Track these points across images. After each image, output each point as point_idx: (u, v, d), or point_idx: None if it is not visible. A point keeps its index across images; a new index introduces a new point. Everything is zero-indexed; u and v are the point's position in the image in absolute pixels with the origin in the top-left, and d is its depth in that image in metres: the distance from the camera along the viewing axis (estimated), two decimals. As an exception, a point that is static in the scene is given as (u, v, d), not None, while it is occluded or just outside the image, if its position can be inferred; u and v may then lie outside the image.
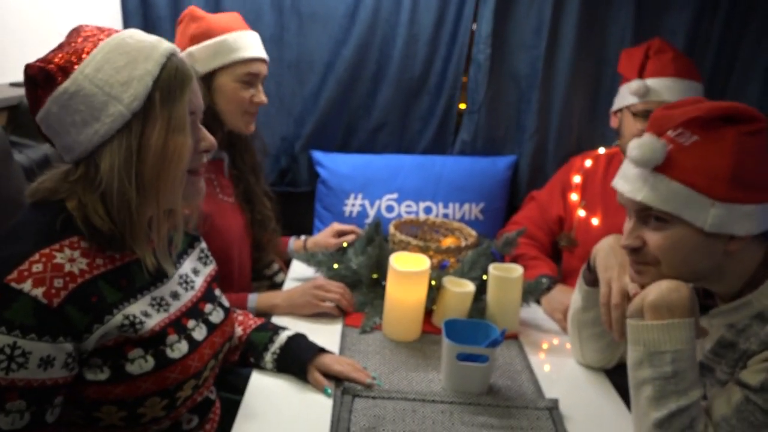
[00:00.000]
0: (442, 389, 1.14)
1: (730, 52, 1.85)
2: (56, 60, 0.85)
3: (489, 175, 1.91)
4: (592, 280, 1.18)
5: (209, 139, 0.93)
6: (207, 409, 1.08)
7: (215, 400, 1.13)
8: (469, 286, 1.37)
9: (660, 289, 0.95)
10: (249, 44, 1.42)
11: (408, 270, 1.28)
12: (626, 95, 1.60)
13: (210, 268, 1.12)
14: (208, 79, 1.40)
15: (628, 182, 0.97)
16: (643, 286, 1.01)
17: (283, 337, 1.18)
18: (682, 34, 1.80)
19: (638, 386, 0.95)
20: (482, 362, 1.12)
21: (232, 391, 1.21)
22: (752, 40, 1.83)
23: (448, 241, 1.63)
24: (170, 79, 0.86)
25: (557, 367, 1.28)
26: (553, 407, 1.10)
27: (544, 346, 1.36)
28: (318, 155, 1.94)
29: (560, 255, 1.80)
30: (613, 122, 1.67)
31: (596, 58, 1.85)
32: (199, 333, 0.98)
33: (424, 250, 1.49)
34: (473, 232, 1.64)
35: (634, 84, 1.55)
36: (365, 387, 1.11)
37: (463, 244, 1.56)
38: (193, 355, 0.94)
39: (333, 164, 1.91)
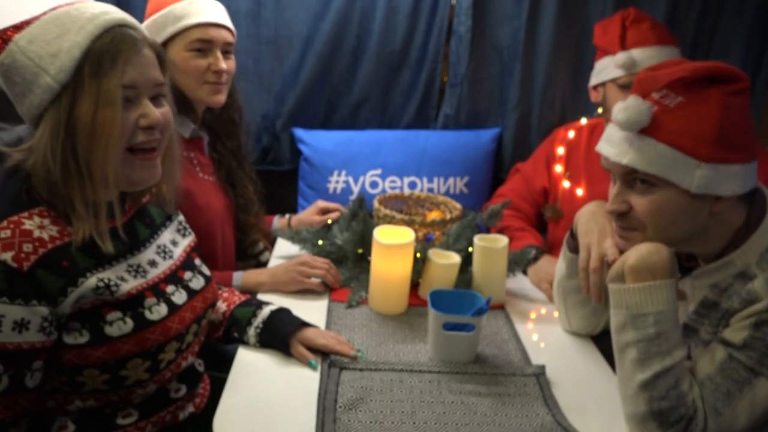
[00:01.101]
0: (429, 360, 1.14)
1: (712, 20, 1.85)
2: (5, 33, 0.85)
3: (473, 148, 1.90)
4: (575, 247, 1.18)
5: (152, 115, 0.89)
6: (195, 381, 1.09)
7: (203, 374, 1.13)
8: (455, 258, 1.37)
9: (640, 252, 0.95)
10: (198, 10, 1.37)
11: (392, 243, 1.28)
12: (609, 68, 1.56)
13: (189, 239, 1.12)
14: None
15: (614, 146, 0.96)
16: (622, 252, 1.02)
17: (266, 311, 1.18)
18: (663, 3, 1.79)
19: (622, 349, 0.96)
20: (468, 331, 1.12)
21: (221, 369, 1.21)
22: (733, 8, 1.82)
23: (433, 215, 1.63)
24: (102, 52, 0.84)
25: (544, 335, 1.28)
26: (540, 373, 1.10)
27: (531, 315, 1.36)
28: (300, 132, 1.92)
29: (546, 226, 1.80)
30: (594, 97, 1.64)
31: (578, 29, 1.84)
32: (179, 297, 0.99)
33: (409, 224, 1.48)
34: (458, 206, 1.63)
35: (620, 57, 1.52)
36: (350, 359, 1.11)
37: (448, 217, 1.56)
38: (173, 317, 0.96)
39: (315, 141, 1.89)
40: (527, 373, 1.10)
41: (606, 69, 1.58)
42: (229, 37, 1.43)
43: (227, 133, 1.54)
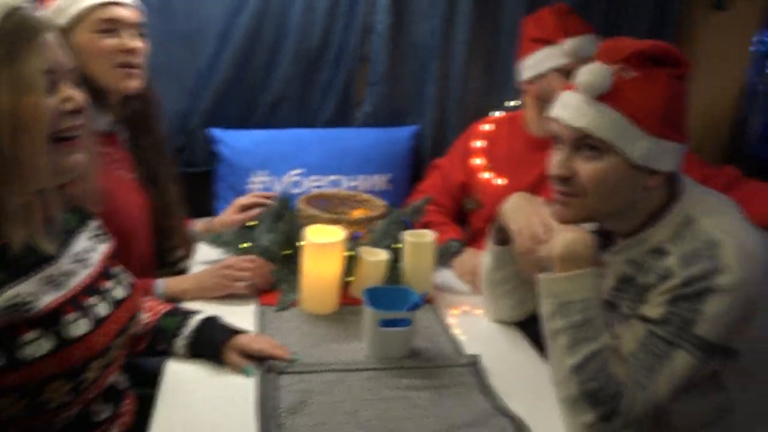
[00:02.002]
0: (365, 357, 1.14)
1: (618, 10, 1.96)
2: None
3: (394, 145, 1.92)
4: (501, 240, 1.22)
5: (76, 98, 0.84)
6: (119, 399, 1.03)
7: (126, 390, 1.07)
8: (384, 255, 1.37)
9: (565, 241, 0.99)
10: None
11: (324, 241, 1.27)
12: (552, 57, 1.60)
13: (106, 245, 1.05)
14: (67, 40, 1.29)
15: (570, 110, 0.99)
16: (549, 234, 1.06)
17: (194, 321, 1.13)
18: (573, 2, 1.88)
19: (553, 336, 1.00)
20: (404, 326, 1.13)
21: (144, 385, 1.15)
22: (633, 11, 1.95)
23: (358, 213, 1.63)
24: (11, 35, 0.79)
25: (472, 325, 1.32)
26: (474, 362, 1.13)
27: (458, 307, 1.39)
28: (217, 132, 1.86)
29: (466, 218, 1.85)
30: (531, 90, 1.66)
31: (492, 27, 1.90)
32: (103, 309, 0.94)
33: (335, 222, 1.47)
34: (382, 203, 1.64)
35: (566, 44, 1.58)
36: (287, 363, 1.09)
37: (373, 214, 1.57)
38: (97, 332, 0.90)
39: (234, 141, 1.84)
40: (462, 363, 1.13)
41: (547, 59, 1.61)
42: (138, 17, 1.35)
43: (147, 128, 1.46)
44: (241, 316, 1.26)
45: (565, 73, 1.58)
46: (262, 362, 1.09)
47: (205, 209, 1.88)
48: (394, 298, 1.20)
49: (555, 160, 1.03)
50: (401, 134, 1.94)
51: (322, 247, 1.27)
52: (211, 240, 1.53)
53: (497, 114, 1.85)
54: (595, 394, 0.94)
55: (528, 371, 1.16)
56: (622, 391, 0.94)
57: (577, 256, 0.97)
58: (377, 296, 1.18)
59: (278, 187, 1.86)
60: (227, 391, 1.03)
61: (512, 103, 1.82)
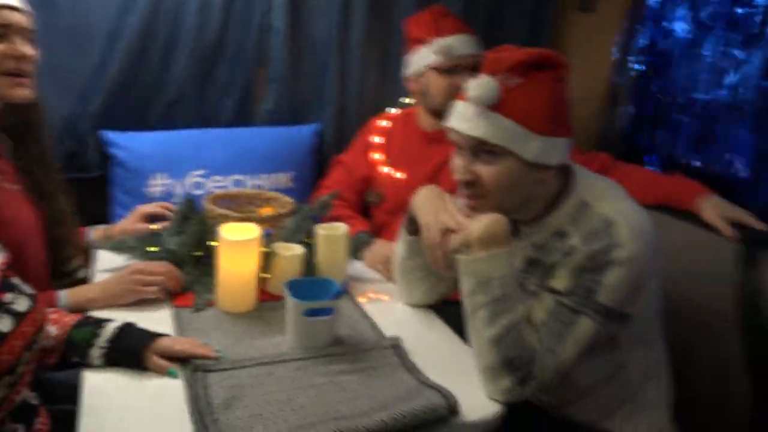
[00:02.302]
0: (290, 349, 1.16)
1: (497, 14, 2.10)
2: None
3: (296, 143, 1.93)
4: (413, 230, 1.28)
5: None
6: (31, 417, 0.98)
7: (38, 407, 1.01)
8: (299, 249, 1.40)
9: (483, 223, 1.07)
10: None
11: (240, 239, 1.27)
12: (428, 56, 1.71)
13: (1, 257, 0.99)
14: None
15: (466, 121, 1.07)
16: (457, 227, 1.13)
17: (109, 329, 1.10)
18: (459, 3, 2.00)
19: (473, 311, 1.08)
20: (327, 315, 1.16)
21: (57, 400, 1.10)
22: (513, 5, 2.10)
23: (266, 211, 1.63)
24: None
25: (388, 311, 1.37)
26: (396, 344, 1.19)
27: (373, 295, 1.44)
28: (110, 135, 1.77)
29: (369, 212, 1.91)
30: (413, 85, 1.78)
31: (386, 25, 1.97)
32: (5, 324, 0.88)
33: (245, 221, 1.47)
34: (289, 200, 1.65)
35: (437, 43, 1.69)
36: (213, 361, 1.09)
37: (282, 212, 1.58)
38: (1, 349, 0.85)
39: (130, 144, 1.77)
40: (385, 346, 1.18)
41: (424, 57, 1.72)
42: (30, 23, 1.27)
43: (31, 137, 1.37)
44: (156, 320, 1.23)
45: (441, 70, 1.70)
46: (185, 363, 1.08)
47: (101, 215, 1.80)
48: (315, 289, 1.22)
49: (458, 166, 1.11)
50: (303, 132, 1.96)
51: (238, 244, 1.27)
52: (113, 247, 1.47)
53: (393, 111, 1.94)
54: (512, 362, 1.02)
55: (446, 349, 1.23)
56: (535, 357, 1.03)
57: (495, 237, 1.05)
58: (298, 288, 1.19)
59: (179, 190, 1.81)
60: (155, 395, 1.01)
61: (407, 100, 1.91)
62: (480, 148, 1.07)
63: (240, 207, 1.70)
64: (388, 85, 2.04)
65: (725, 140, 1.67)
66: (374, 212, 1.90)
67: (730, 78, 1.65)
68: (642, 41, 1.86)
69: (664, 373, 1.22)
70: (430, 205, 1.21)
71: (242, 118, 1.94)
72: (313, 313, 1.15)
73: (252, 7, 1.84)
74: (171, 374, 1.06)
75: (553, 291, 1.07)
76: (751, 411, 1.29)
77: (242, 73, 1.89)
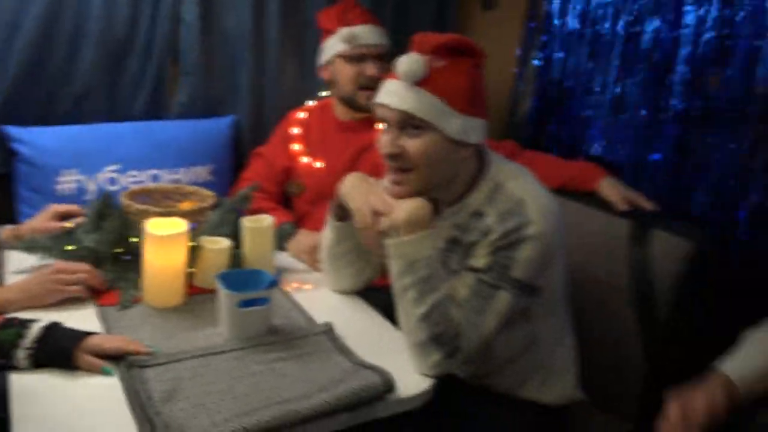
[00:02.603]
0: (225, 341, 1.18)
1: (404, 11, 2.17)
2: None
3: (213, 136, 1.92)
4: (341, 216, 1.33)
5: None
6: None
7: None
8: (225, 242, 1.41)
9: (408, 208, 1.14)
10: None
11: (168, 233, 1.26)
12: (336, 44, 1.78)
13: None
14: None
15: (395, 96, 1.14)
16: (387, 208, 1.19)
17: (35, 329, 1.07)
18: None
19: (403, 291, 1.14)
20: (262, 305, 1.19)
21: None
22: (419, 2, 2.18)
23: (186, 206, 1.62)
24: None
25: (317, 299, 1.41)
26: (328, 329, 1.24)
27: (300, 284, 1.48)
28: (13, 131, 1.68)
29: (290, 203, 1.93)
30: (325, 75, 1.85)
31: (301, 18, 1.99)
32: None
33: (166, 215, 1.45)
34: (210, 193, 1.65)
35: (344, 32, 1.75)
36: (147, 356, 1.09)
37: (204, 205, 1.57)
38: None
39: (35, 139, 1.68)
40: (317, 332, 1.23)
41: (332, 46, 1.79)
42: None
43: None
44: (81, 320, 1.20)
45: (348, 58, 1.77)
46: (118, 361, 1.07)
47: (6, 214, 1.71)
48: (246, 281, 1.24)
49: (385, 141, 1.17)
50: (219, 125, 1.95)
51: (166, 239, 1.26)
52: (25, 246, 1.42)
53: (311, 103, 1.97)
54: (440, 337, 1.10)
55: (376, 331, 1.29)
56: (460, 331, 1.12)
57: (419, 220, 1.12)
58: (229, 280, 1.21)
59: (92, 186, 1.75)
60: (90, 394, 1.01)
61: (324, 93, 1.95)
62: (407, 123, 1.15)
63: (158, 202, 1.67)
64: (305, 77, 2.06)
65: (616, 129, 1.84)
66: (295, 203, 1.93)
67: (618, 71, 1.82)
68: (542, 38, 2.00)
69: (570, 342, 1.35)
70: (359, 191, 1.26)
71: (155, 111, 1.90)
72: (247, 303, 1.17)
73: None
74: (105, 372, 1.05)
75: (473, 269, 1.16)
76: (644, 374, 1.45)
77: (153, 65, 1.85)
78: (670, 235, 1.41)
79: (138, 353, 1.09)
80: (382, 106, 1.17)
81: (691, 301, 1.39)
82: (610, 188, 1.61)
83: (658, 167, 1.71)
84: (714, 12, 1.57)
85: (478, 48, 1.18)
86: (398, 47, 2.10)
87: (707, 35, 1.59)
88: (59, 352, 1.05)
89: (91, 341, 1.08)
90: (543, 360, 1.31)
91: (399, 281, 1.14)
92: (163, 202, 1.67)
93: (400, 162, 1.17)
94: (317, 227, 1.66)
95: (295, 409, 0.96)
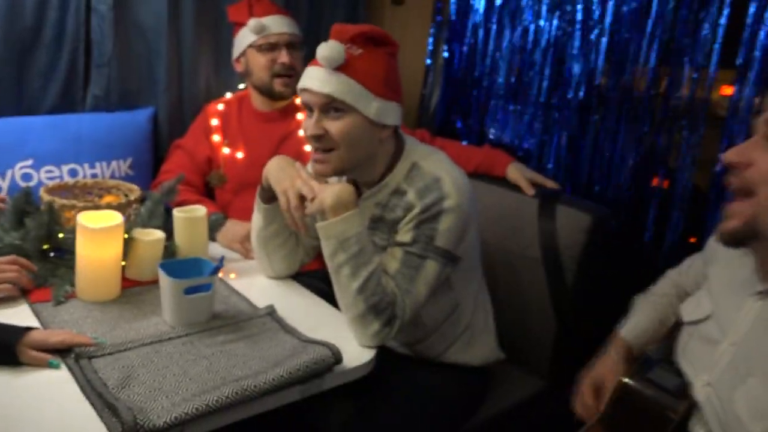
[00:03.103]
0: (171, 328, 1.20)
1: (318, 6, 2.23)
2: None
3: (131, 129, 1.89)
4: (268, 199, 1.38)
5: None
6: None
7: None
8: (159, 234, 1.42)
9: (334, 192, 1.21)
10: None
11: (103, 226, 1.26)
12: (247, 36, 1.83)
13: None
14: None
15: (317, 80, 1.22)
16: (317, 179, 1.26)
17: None
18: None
19: (337, 269, 1.22)
20: (207, 291, 1.22)
21: None
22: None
23: (109, 200, 1.60)
24: None
25: (253, 285, 1.45)
26: (271, 311, 1.29)
27: (235, 272, 1.51)
28: None
29: (213, 193, 1.94)
30: (238, 67, 1.89)
31: (215, 12, 1.99)
32: None
33: (92, 209, 1.44)
34: (134, 187, 1.64)
35: (252, 23, 1.80)
36: (95, 347, 1.10)
37: (129, 199, 1.56)
38: None
39: (-62, 135, 1.59)
40: (261, 314, 1.28)
41: (244, 38, 1.84)
42: None
43: None
44: (15, 318, 1.18)
45: (259, 48, 1.82)
46: (64, 354, 1.08)
47: None
48: (186, 269, 1.26)
49: (309, 124, 1.26)
50: (138, 117, 1.91)
51: (101, 232, 1.26)
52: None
53: (229, 95, 1.99)
54: (377, 306, 1.19)
55: (313, 310, 1.36)
56: (395, 300, 1.22)
57: (345, 202, 1.20)
58: (170, 270, 1.23)
59: (5, 182, 1.68)
60: (43, 389, 1.01)
61: (241, 86, 1.98)
62: (329, 106, 1.23)
63: (78, 197, 1.63)
64: (222, 69, 2.07)
65: (519, 117, 2.00)
66: (217, 193, 1.95)
67: (519, 63, 1.98)
68: (449, 31, 2.13)
69: (488, 307, 1.49)
70: (285, 173, 1.31)
71: (68, 104, 1.84)
72: (192, 290, 1.20)
73: (70, -12, 1.75)
74: (52, 365, 1.05)
75: (399, 244, 1.26)
76: (555, 333, 1.62)
77: (65, 56, 1.79)
78: (573, 210, 1.58)
79: (84, 345, 1.09)
80: (305, 90, 1.25)
81: (592, 267, 1.57)
82: (516, 172, 1.75)
83: (559, 151, 1.89)
84: (600, 8, 1.76)
85: (391, 38, 1.28)
86: (312, 39, 2.18)
87: (596, 30, 1.77)
88: (2, 348, 1.04)
89: (34, 336, 1.07)
90: (465, 324, 1.43)
91: (333, 260, 1.22)
92: (84, 197, 1.64)
93: (323, 143, 1.25)
94: (240, 217, 1.70)
95: (254, 383, 1.01)
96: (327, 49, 1.21)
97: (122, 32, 1.83)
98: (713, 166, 1.63)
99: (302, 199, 1.27)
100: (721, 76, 1.61)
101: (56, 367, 1.05)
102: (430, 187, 1.25)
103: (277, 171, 1.33)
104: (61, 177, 1.77)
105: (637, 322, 1.26)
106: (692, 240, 1.74)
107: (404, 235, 1.26)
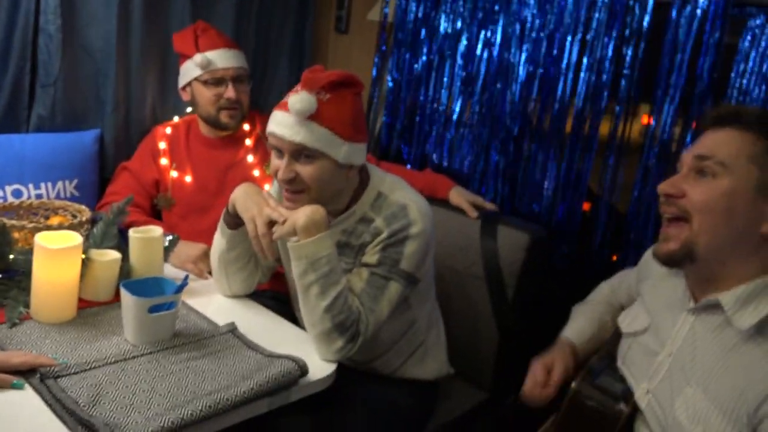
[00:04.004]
0: (134, 347, 1.21)
1: (265, 33, 2.28)
2: None
3: (77, 150, 1.86)
4: (234, 224, 1.42)
5: None
6: None
7: None
8: (114, 254, 1.42)
9: (306, 213, 1.27)
10: None
11: (63, 247, 1.25)
12: (192, 69, 1.85)
13: None
14: None
15: (288, 128, 1.26)
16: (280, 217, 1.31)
17: None
18: (230, 18, 2.13)
19: (306, 288, 1.27)
20: (170, 309, 1.24)
21: None
22: (278, 25, 2.31)
23: (57, 221, 1.58)
24: None
25: (210, 304, 1.48)
26: (233, 329, 1.32)
27: (189, 292, 1.52)
28: None
29: (159, 215, 1.94)
30: (185, 96, 1.92)
31: (162, 36, 2.00)
32: None
33: (41, 230, 1.42)
34: (83, 207, 1.63)
35: (198, 58, 1.83)
36: (59, 367, 1.09)
37: (77, 220, 1.55)
38: None
39: None
40: (224, 332, 1.31)
41: (189, 71, 1.87)
42: None
43: None
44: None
45: (205, 82, 1.85)
46: (26, 376, 1.07)
47: None
48: (147, 288, 1.28)
49: (281, 167, 1.30)
50: (84, 138, 1.89)
51: (58, 252, 1.25)
52: None
53: (176, 119, 2.01)
54: (343, 324, 1.25)
55: (272, 326, 1.40)
56: (359, 318, 1.28)
57: (317, 223, 1.26)
58: (132, 289, 1.24)
59: (-57, 204, 1.62)
60: (9, 411, 1.00)
61: (189, 109, 2.00)
62: (300, 152, 1.28)
63: (24, 217, 1.60)
64: (168, 94, 2.08)
65: (459, 143, 2.13)
66: (165, 216, 1.95)
67: (459, 93, 2.11)
68: (392, 60, 2.24)
69: (440, 324, 1.58)
70: (252, 201, 1.35)
71: (11, 124, 1.80)
72: (155, 309, 1.22)
73: (19, 9, 1.72)
74: (16, 386, 1.04)
75: (366, 265, 1.33)
76: (497, 347, 1.72)
77: (10, 76, 1.76)
78: (512, 229, 1.70)
79: (47, 365, 1.09)
80: (275, 136, 1.29)
81: (531, 282, 1.69)
82: (458, 196, 1.86)
83: (496, 175, 2.02)
84: (532, 48, 1.92)
85: (357, 79, 1.34)
86: (260, 68, 2.23)
87: (530, 67, 1.93)
88: None
89: None
90: (420, 340, 1.51)
91: (302, 279, 1.27)
92: (29, 217, 1.61)
93: (295, 185, 1.30)
94: (188, 239, 1.71)
95: (226, 396, 1.05)
96: (299, 102, 1.24)
97: (70, 53, 1.82)
98: (632, 191, 1.80)
99: (270, 225, 1.31)
100: (640, 108, 1.79)
101: (20, 387, 1.05)
102: (398, 215, 1.33)
103: (244, 198, 1.35)
104: (4, 198, 1.72)
105: (578, 325, 1.38)
106: (614, 258, 1.90)
107: (371, 257, 1.33)
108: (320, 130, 1.27)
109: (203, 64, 1.82)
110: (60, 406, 1.00)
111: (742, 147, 1.02)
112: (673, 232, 1.06)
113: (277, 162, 1.31)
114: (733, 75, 1.58)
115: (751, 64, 1.56)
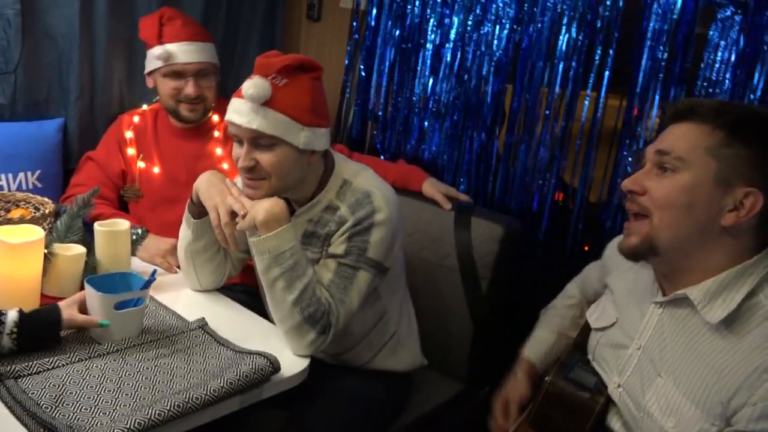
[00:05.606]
0: (98, 344, 1.18)
1: (234, 20, 2.23)
2: None
3: (39, 140, 1.80)
4: (198, 213, 1.38)
5: None
6: None
7: None
8: (79, 248, 1.38)
9: (265, 208, 1.24)
10: None
11: (24, 241, 1.21)
12: (152, 60, 1.79)
13: None
14: None
15: (243, 116, 1.22)
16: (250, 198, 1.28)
17: (12, 315, 1.09)
18: (199, 5, 2.07)
19: (272, 283, 1.24)
20: (137, 305, 1.21)
21: None
22: (248, 12, 2.25)
23: (19, 213, 1.53)
24: None
25: (179, 299, 1.45)
26: (203, 324, 1.29)
27: (158, 287, 1.49)
28: None
29: (126, 207, 1.89)
30: (149, 83, 1.86)
31: (128, 21, 1.94)
32: None
33: (4, 224, 1.37)
34: (46, 200, 1.57)
35: (157, 50, 1.76)
36: (20, 367, 1.05)
37: (41, 213, 1.50)
38: None
39: None
40: (193, 328, 1.28)
41: (150, 61, 1.80)
42: None
43: None
44: None
45: (165, 74, 1.79)
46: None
47: None
48: (113, 284, 1.24)
49: (240, 155, 1.27)
50: (46, 128, 1.83)
51: (20, 247, 1.21)
52: None
53: (144, 107, 1.95)
54: (313, 316, 1.23)
55: (243, 321, 1.38)
56: (329, 309, 1.26)
57: (277, 217, 1.23)
58: (98, 285, 1.20)
59: None
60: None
61: (158, 98, 1.94)
62: (257, 139, 1.25)
63: (-17, 211, 1.55)
64: (134, 80, 2.02)
65: (431, 133, 2.11)
66: (132, 208, 1.90)
67: (432, 83, 2.10)
68: (364, 49, 2.20)
69: (411, 315, 1.57)
70: (216, 189, 1.32)
71: (-30, 113, 1.73)
72: (122, 305, 1.19)
73: (-26, -7, 1.65)
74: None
75: (333, 256, 1.31)
76: (471, 339, 1.72)
77: (-34, 64, 1.69)
78: (486, 221, 1.70)
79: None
80: (233, 124, 1.26)
81: (505, 274, 1.69)
82: (431, 188, 1.85)
83: (470, 166, 2.02)
84: (505, 35, 1.90)
85: (315, 63, 1.31)
86: (228, 57, 2.18)
87: (499, 53, 1.91)
88: (48, 326, 1.12)
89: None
90: (392, 332, 1.50)
91: (267, 275, 1.24)
92: (-11, 210, 1.55)
93: (255, 173, 1.27)
94: (156, 233, 1.67)
95: (195, 395, 1.02)
96: (252, 87, 1.21)
97: (30, 38, 1.75)
98: (604, 182, 1.81)
99: (233, 215, 1.28)
100: (611, 100, 1.80)
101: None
102: (362, 202, 1.31)
103: (207, 187, 1.33)
104: (-38, 190, 1.66)
105: (539, 339, 1.41)
106: (586, 248, 1.91)
107: (337, 247, 1.31)
108: (277, 116, 1.23)
109: (163, 57, 1.75)
110: (21, 409, 0.96)
111: (699, 140, 1.03)
112: (635, 227, 1.07)
113: (237, 150, 1.29)
114: (702, 66, 1.60)
115: (720, 54, 1.58)
